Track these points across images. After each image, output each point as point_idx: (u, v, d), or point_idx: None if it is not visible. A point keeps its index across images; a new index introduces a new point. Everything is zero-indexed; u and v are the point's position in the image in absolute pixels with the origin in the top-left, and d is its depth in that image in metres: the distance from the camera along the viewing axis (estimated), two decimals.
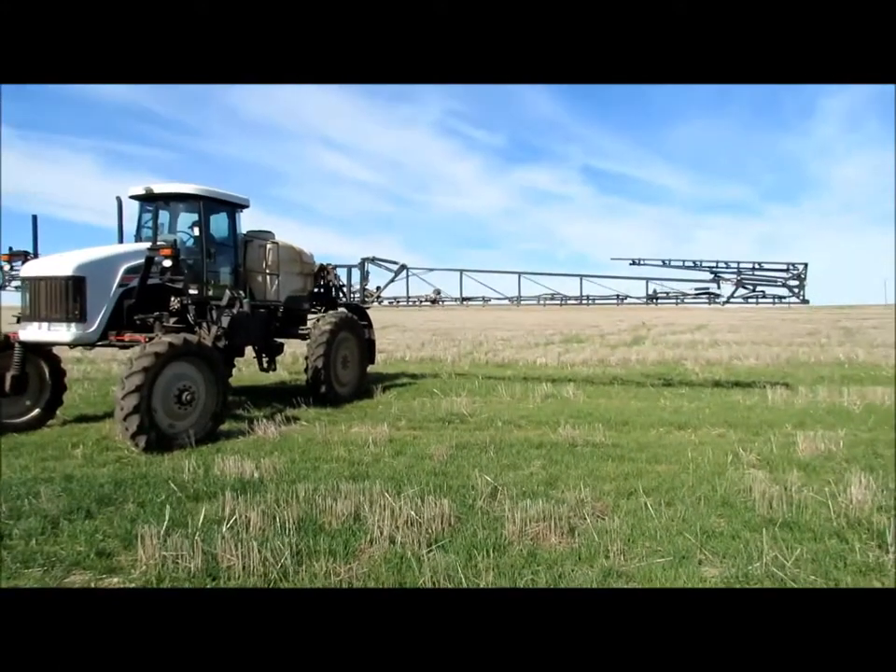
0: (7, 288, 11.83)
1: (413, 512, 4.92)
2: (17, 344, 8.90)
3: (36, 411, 9.36)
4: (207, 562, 4.23)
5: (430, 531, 4.77)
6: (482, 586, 3.88)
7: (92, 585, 4.05)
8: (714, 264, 11.91)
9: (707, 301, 12.14)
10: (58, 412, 9.69)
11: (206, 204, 10.30)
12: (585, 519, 5.05)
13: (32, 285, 8.74)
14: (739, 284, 11.85)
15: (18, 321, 9.04)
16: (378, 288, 13.44)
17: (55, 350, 9.74)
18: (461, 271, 12.81)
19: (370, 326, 13.60)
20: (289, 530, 4.72)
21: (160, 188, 10.22)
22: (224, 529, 4.62)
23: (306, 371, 11.62)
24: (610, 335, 34.80)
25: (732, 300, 12.03)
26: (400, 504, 5.04)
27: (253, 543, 4.29)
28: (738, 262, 11.81)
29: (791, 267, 11.59)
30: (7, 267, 9.85)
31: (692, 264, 11.90)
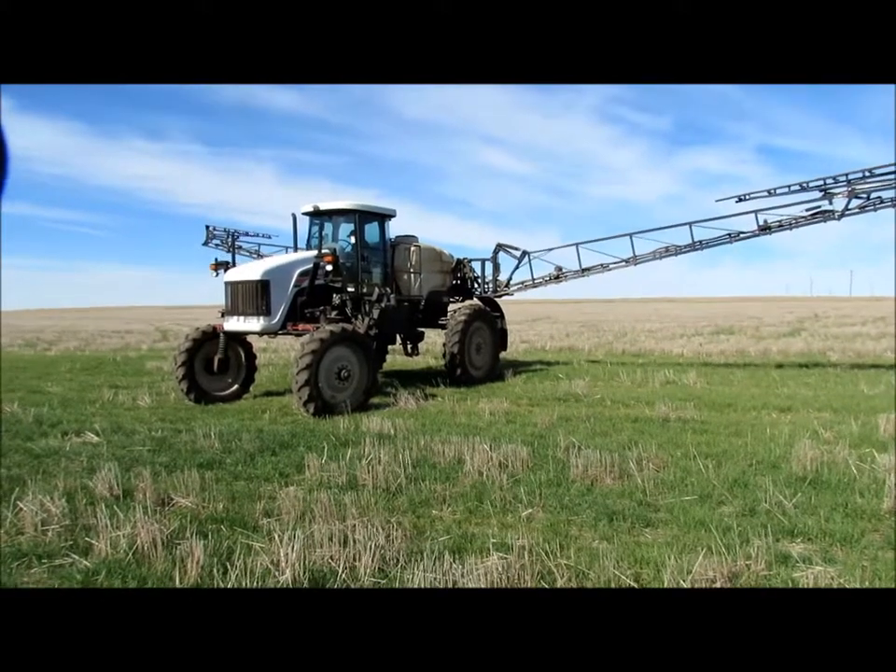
0: (209, 246, 16.03)
1: (501, 458, 6.41)
2: (221, 334, 11.53)
3: (235, 386, 12.00)
4: (350, 479, 6.06)
5: (511, 470, 6.25)
6: (482, 587, 3.86)
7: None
8: (822, 182, 11.65)
9: (822, 220, 11.98)
10: (250, 388, 12.30)
11: (361, 217, 12.45)
12: (642, 470, 6.23)
13: (231, 287, 11.30)
14: (852, 194, 11.52)
15: (221, 315, 11.68)
16: (509, 279, 14.97)
17: (249, 339, 12.34)
18: (576, 244, 13.91)
19: (502, 317, 15.14)
20: (408, 464, 6.41)
21: (324, 205, 12.50)
22: (364, 462, 6.41)
23: (444, 356, 13.44)
24: (769, 327, 33.53)
25: (847, 212, 11.70)
26: (494, 453, 6.55)
27: (380, 469, 6.05)
28: (847, 173, 11.47)
29: None
30: (214, 274, 12.56)
31: (798, 188, 11.78)
